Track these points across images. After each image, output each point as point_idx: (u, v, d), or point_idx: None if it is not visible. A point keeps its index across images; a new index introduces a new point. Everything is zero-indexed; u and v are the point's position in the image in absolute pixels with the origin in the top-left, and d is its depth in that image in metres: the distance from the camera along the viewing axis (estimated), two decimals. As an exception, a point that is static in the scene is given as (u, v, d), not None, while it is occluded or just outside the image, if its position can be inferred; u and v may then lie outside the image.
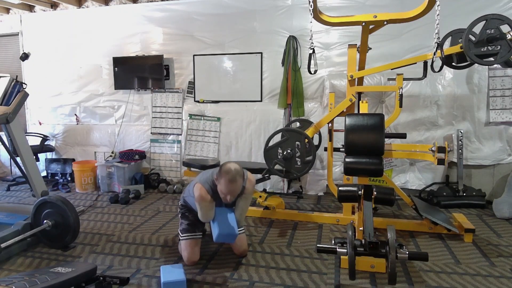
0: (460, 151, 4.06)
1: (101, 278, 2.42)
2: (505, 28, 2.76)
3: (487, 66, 4.01)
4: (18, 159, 3.39)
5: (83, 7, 5.43)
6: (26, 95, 3.37)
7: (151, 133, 5.29)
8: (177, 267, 2.54)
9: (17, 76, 3.54)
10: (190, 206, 2.86)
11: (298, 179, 4.70)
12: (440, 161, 3.04)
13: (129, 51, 5.24)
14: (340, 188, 2.77)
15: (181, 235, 2.84)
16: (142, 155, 5.21)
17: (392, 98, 4.28)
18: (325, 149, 3.78)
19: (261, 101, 4.81)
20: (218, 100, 4.98)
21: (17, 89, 3.38)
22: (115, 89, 5.31)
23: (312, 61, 3.08)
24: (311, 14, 2.96)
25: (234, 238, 2.65)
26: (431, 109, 4.25)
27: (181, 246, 2.85)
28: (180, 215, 2.96)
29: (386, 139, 3.05)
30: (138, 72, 5.16)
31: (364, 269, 2.61)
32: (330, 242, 2.60)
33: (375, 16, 3.03)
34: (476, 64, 3.40)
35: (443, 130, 4.26)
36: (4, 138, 3.92)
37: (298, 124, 4.23)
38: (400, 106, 3.32)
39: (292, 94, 4.57)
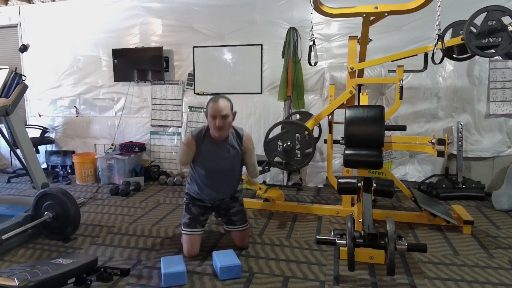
0: (460, 143, 4.06)
1: (102, 269, 2.43)
2: (506, 19, 2.75)
3: (488, 58, 3.99)
4: (18, 151, 3.39)
5: (81, -2, 5.40)
6: (25, 87, 3.36)
7: (151, 125, 5.29)
8: (177, 259, 2.55)
9: (16, 68, 3.52)
10: (192, 195, 2.90)
11: (298, 171, 4.70)
12: (440, 153, 3.04)
13: (128, 42, 5.21)
14: (339, 180, 2.77)
15: (183, 229, 2.85)
16: (142, 147, 5.21)
17: (393, 90, 4.27)
18: (325, 141, 3.78)
19: (261, 93, 4.80)
20: (218, 92, 4.96)
21: (16, 81, 3.37)
22: (114, 81, 5.29)
23: (312, 53, 3.07)
24: (311, 5, 2.94)
25: (238, 269, 2.50)
26: (431, 101, 4.24)
27: (182, 238, 2.86)
28: (184, 205, 2.93)
29: (386, 131, 3.04)
30: (138, 64, 5.13)
31: (363, 260, 2.63)
32: (330, 233, 2.60)
33: (376, 8, 3.01)
34: (477, 56, 3.38)
35: (443, 122, 4.26)
36: (4, 130, 3.92)
37: (298, 116, 4.23)
38: (400, 98, 3.31)
39: (292, 86, 4.56)
